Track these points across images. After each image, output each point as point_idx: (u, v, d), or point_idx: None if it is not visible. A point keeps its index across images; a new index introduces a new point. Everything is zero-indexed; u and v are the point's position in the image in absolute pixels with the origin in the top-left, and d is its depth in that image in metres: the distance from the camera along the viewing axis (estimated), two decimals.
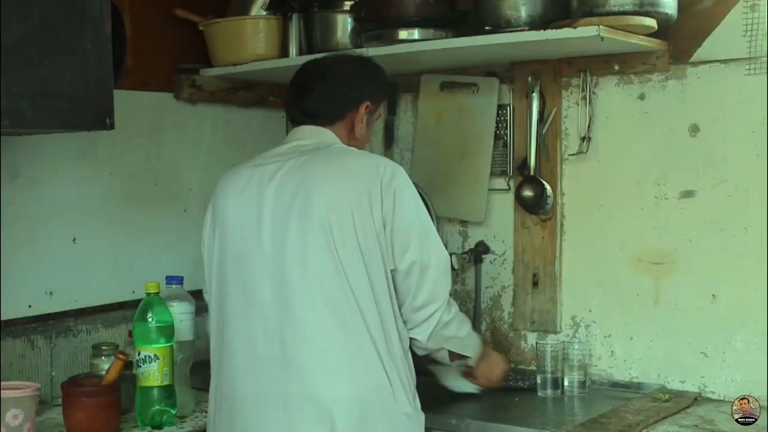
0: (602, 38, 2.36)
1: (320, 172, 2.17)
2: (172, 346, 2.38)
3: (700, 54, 2.55)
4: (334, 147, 2.25)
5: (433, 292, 2.21)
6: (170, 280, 2.52)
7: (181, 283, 2.53)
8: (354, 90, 2.31)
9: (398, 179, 2.17)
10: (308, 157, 2.20)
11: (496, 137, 2.89)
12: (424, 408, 2.22)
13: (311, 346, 2.11)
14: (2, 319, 2.48)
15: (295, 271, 2.13)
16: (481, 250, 2.94)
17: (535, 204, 2.78)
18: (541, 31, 2.44)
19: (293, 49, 2.96)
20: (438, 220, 2.92)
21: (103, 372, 2.38)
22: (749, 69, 2.48)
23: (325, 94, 2.30)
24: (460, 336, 2.33)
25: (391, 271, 2.17)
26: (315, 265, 2.12)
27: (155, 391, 2.34)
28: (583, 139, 2.73)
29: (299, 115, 2.33)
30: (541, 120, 2.76)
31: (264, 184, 2.21)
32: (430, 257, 2.20)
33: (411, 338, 2.24)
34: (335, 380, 2.10)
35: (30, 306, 2.58)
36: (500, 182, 2.90)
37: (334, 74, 2.33)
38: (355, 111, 2.30)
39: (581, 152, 2.73)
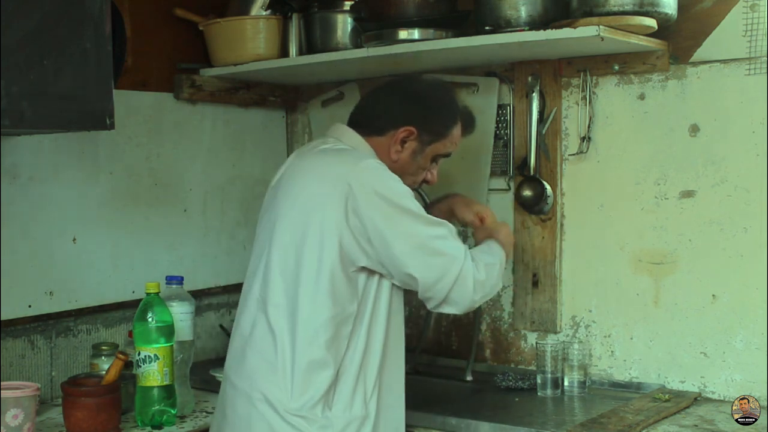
0: (602, 38, 2.36)
1: (298, 171, 2.18)
2: (172, 346, 2.38)
3: (700, 54, 2.55)
4: (337, 148, 2.20)
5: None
6: (170, 280, 2.53)
7: (181, 283, 2.53)
8: (397, 110, 2.24)
9: (369, 182, 2.09)
10: (311, 153, 2.21)
11: (496, 137, 2.89)
12: (423, 408, 2.21)
13: (251, 345, 2.16)
14: (2, 319, 2.49)
15: (269, 266, 2.16)
16: None
17: (535, 204, 2.78)
18: (541, 31, 2.44)
19: (293, 49, 2.96)
20: None
21: (103, 372, 2.38)
22: (749, 69, 2.48)
23: (369, 105, 2.31)
24: (495, 275, 2.23)
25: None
26: (275, 264, 2.14)
27: (155, 391, 2.34)
28: (583, 139, 2.73)
29: (349, 119, 2.31)
30: (541, 120, 2.77)
31: (280, 177, 2.25)
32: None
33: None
34: (255, 381, 2.13)
35: (30, 306, 2.58)
36: (500, 182, 2.90)
37: (390, 89, 2.31)
38: (393, 132, 2.23)
39: (581, 152, 2.74)
